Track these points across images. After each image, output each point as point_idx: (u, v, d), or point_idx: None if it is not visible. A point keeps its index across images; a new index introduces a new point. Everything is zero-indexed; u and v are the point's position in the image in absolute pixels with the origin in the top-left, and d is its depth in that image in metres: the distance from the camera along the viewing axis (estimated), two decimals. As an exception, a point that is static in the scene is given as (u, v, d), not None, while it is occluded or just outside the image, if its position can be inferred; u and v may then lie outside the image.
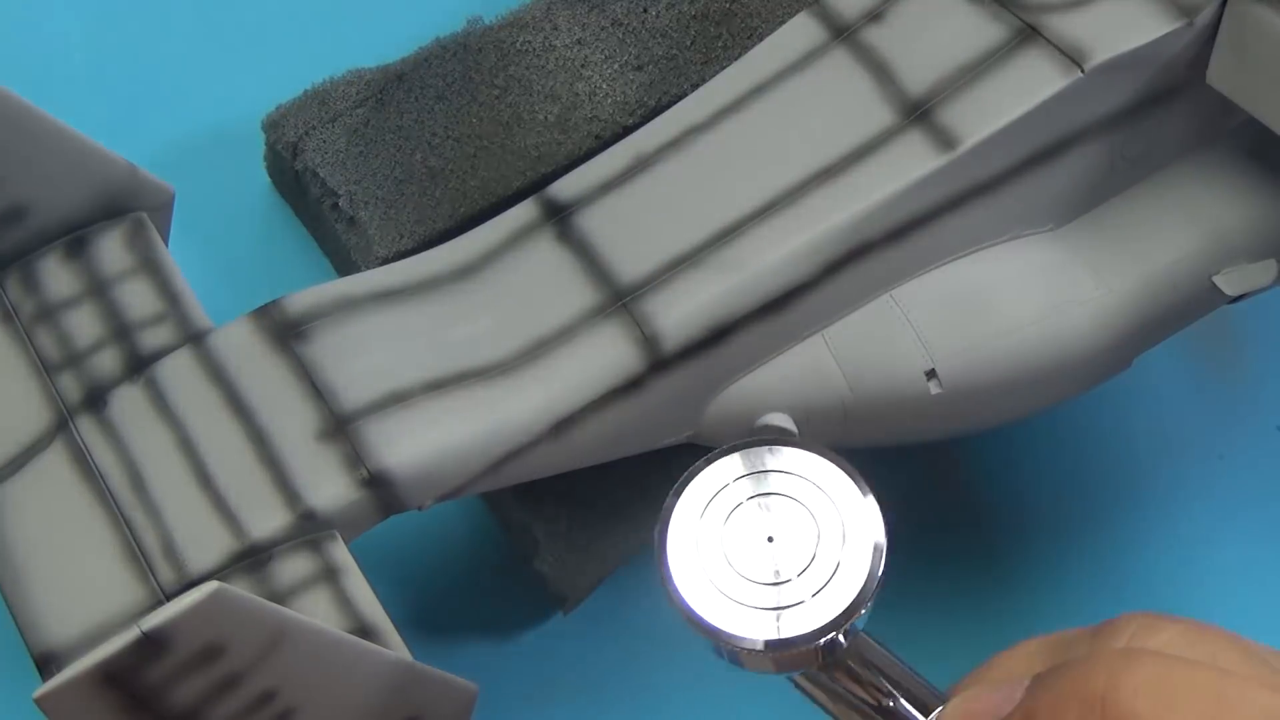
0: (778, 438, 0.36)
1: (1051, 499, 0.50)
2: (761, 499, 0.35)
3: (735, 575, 0.34)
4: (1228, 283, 0.43)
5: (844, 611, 0.33)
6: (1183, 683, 0.30)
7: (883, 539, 0.34)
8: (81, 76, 0.58)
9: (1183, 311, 0.44)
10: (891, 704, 0.34)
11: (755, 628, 0.33)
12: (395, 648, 0.37)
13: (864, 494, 0.34)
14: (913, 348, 0.42)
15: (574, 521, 0.47)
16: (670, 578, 0.34)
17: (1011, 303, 0.42)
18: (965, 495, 0.50)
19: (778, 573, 0.34)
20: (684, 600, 0.34)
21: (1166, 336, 0.44)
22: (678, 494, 0.35)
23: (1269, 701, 0.30)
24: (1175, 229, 0.43)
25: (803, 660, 0.34)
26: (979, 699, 0.33)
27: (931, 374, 0.42)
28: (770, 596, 0.34)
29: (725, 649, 0.34)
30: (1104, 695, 0.30)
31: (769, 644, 0.33)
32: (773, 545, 0.34)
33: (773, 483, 0.35)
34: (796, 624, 0.33)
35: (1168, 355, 0.48)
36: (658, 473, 0.47)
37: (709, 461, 0.35)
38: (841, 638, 0.34)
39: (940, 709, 0.34)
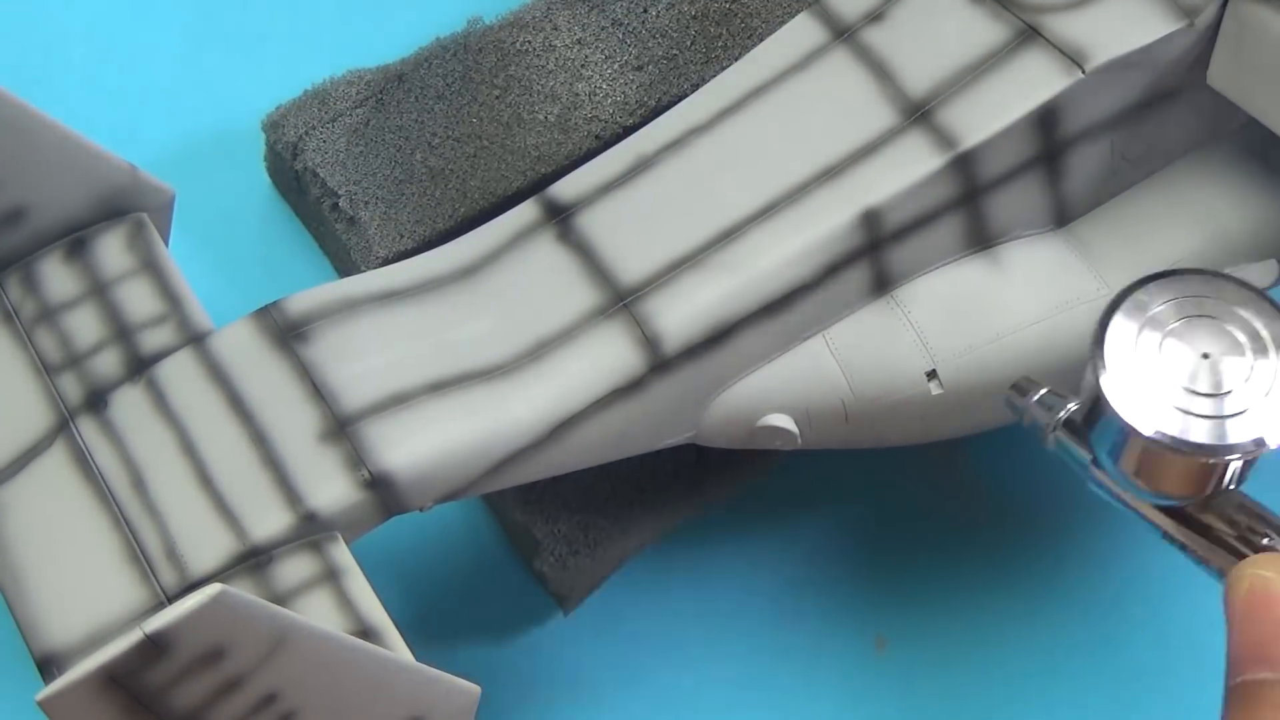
0: (1239, 280, 0.37)
1: (1052, 499, 0.50)
2: (1212, 320, 0.36)
3: (1162, 372, 0.35)
4: (1228, 283, 0.43)
5: (1252, 441, 0.35)
6: None
7: None
8: (82, 77, 0.58)
9: (1183, 312, 0.44)
10: (1267, 541, 0.36)
11: (1163, 421, 0.35)
12: (397, 649, 0.37)
13: None
14: (913, 348, 0.42)
15: (574, 522, 0.47)
16: (1100, 351, 0.36)
17: (1012, 303, 0.42)
18: (964, 495, 0.50)
19: (1201, 384, 0.35)
20: (1104, 377, 0.35)
21: (1167, 337, 0.44)
22: (1137, 285, 0.36)
23: None
24: (1176, 229, 0.43)
25: (1185, 479, 0.35)
26: None
27: (932, 374, 0.42)
28: (1187, 401, 0.35)
29: (1119, 437, 0.35)
30: None
31: (1168, 440, 0.35)
32: (1207, 361, 0.35)
33: (1226, 314, 0.36)
34: (1203, 433, 0.35)
35: (1168, 355, 0.48)
36: (658, 473, 0.48)
37: (1177, 272, 0.37)
38: (1231, 469, 0.35)
39: None
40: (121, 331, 0.41)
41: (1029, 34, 0.41)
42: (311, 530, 0.38)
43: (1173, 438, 0.35)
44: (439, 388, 0.40)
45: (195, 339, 0.41)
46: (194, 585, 0.37)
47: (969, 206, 0.42)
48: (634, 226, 0.42)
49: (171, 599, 0.37)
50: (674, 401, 0.41)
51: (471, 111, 0.51)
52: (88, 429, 0.40)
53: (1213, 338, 0.35)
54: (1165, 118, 0.43)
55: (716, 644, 0.48)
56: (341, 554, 0.38)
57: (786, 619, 0.49)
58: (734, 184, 0.42)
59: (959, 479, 0.51)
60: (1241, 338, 0.35)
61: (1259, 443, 0.34)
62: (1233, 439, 0.35)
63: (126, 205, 0.43)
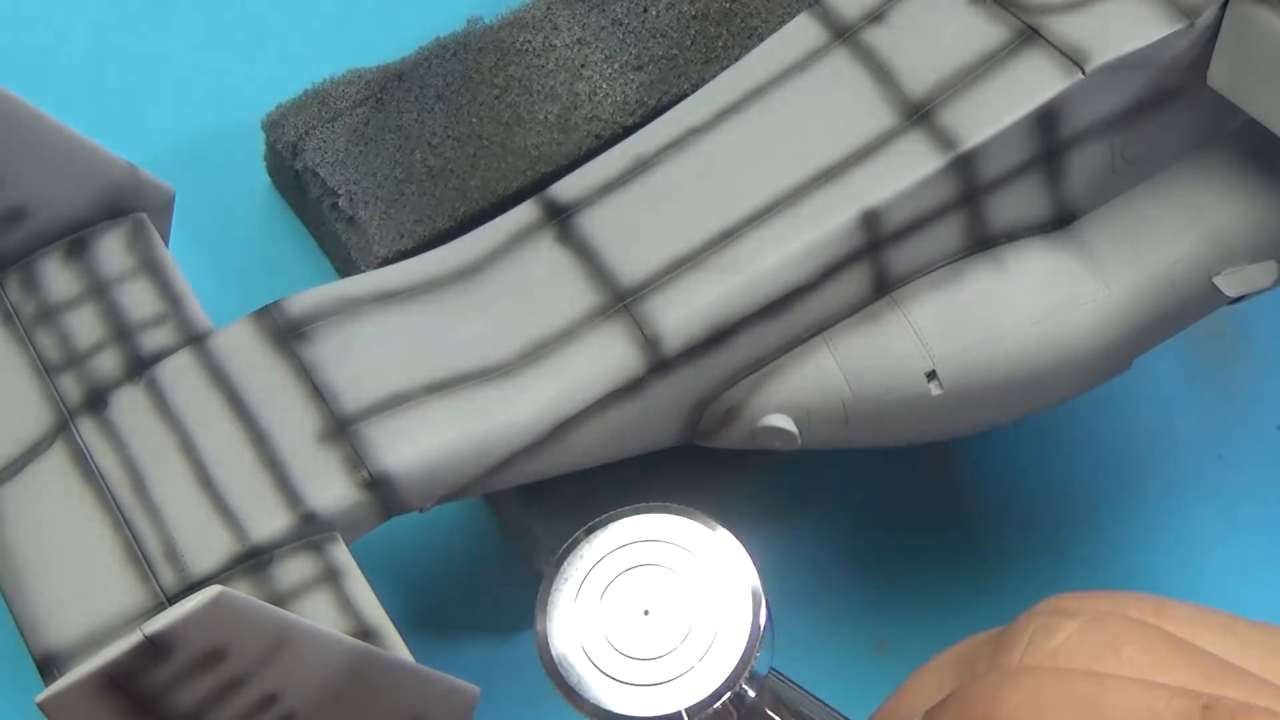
0: (633, 507, 0.35)
1: (1052, 499, 0.50)
2: (628, 573, 0.34)
3: (621, 658, 0.33)
4: (1228, 284, 0.43)
5: (735, 669, 0.33)
6: (1055, 698, 0.29)
7: (757, 584, 0.34)
8: (81, 76, 0.58)
9: (1183, 312, 0.44)
10: None
11: (654, 705, 0.33)
12: (397, 649, 0.37)
13: (736, 547, 0.34)
14: (913, 349, 0.42)
15: (574, 522, 0.47)
16: (561, 672, 0.34)
17: (1012, 304, 0.42)
18: (964, 495, 0.50)
19: (662, 645, 0.33)
20: (578, 693, 0.34)
21: (1167, 338, 0.44)
22: (548, 590, 0.34)
23: (1147, 700, 0.28)
24: (1176, 230, 0.43)
25: None
26: None
27: (932, 375, 0.42)
28: (659, 671, 0.33)
29: None
30: None
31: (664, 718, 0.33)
32: (649, 618, 0.34)
33: (634, 554, 0.35)
34: (690, 693, 0.33)
35: (1168, 355, 0.48)
36: (658, 474, 0.48)
37: (569, 549, 0.35)
38: (746, 689, 0.33)
39: None
40: (121, 331, 0.41)
41: (1029, 35, 0.41)
42: (311, 531, 0.38)
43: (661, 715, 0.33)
44: (439, 388, 0.40)
45: (195, 339, 0.41)
46: (194, 586, 0.37)
47: (969, 207, 0.42)
48: (634, 227, 0.42)
49: (172, 600, 0.37)
50: (674, 402, 0.41)
51: (471, 111, 0.51)
52: (88, 429, 0.40)
53: (648, 590, 0.34)
54: (1165, 118, 0.43)
55: (716, 644, 0.48)
56: (341, 554, 0.38)
57: (786, 619, 0.48)
58: (734, 184, 0.42)
59: (959, 480, 0.51)
60: (675, 576, 0.34)
61: (726, 687, 0.33)
62: (698, 698, 0.33)
63: (126, 205, 0.43)
